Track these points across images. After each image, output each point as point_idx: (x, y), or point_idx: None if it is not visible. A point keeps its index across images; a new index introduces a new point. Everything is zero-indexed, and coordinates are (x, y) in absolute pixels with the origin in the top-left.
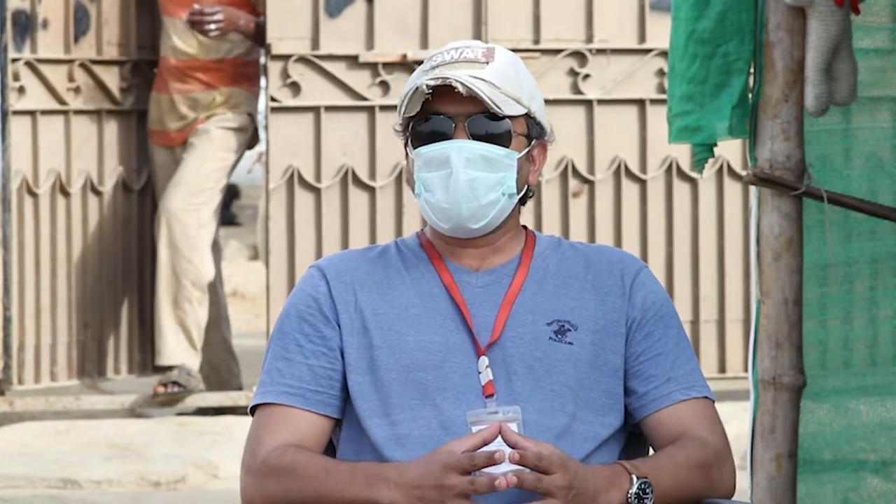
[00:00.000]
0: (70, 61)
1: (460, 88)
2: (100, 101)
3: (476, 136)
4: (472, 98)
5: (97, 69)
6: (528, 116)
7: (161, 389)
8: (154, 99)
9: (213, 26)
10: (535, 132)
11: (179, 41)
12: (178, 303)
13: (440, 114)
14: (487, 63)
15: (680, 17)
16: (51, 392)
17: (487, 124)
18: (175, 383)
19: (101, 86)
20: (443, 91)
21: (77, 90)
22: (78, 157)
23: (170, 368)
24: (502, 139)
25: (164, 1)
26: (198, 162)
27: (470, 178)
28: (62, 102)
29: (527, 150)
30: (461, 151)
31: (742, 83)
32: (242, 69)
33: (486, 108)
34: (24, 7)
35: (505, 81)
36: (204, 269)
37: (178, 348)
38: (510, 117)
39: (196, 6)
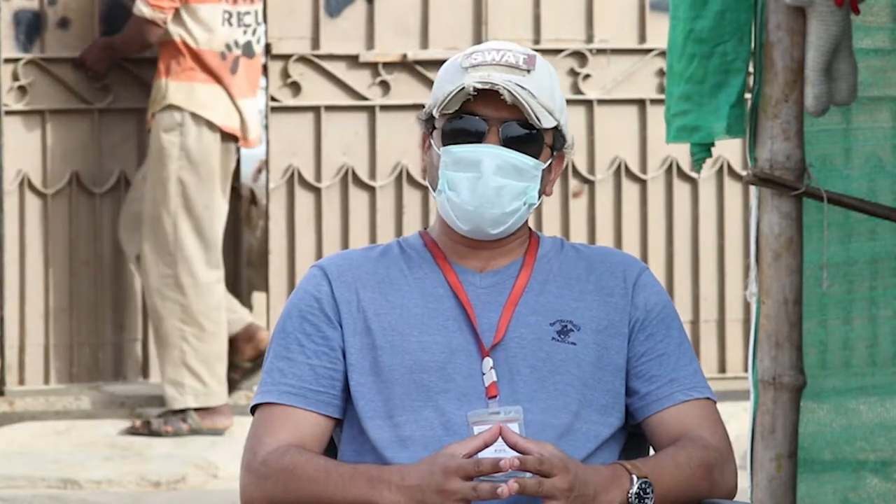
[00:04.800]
0: (69, 60)
1: (506, 96)
2: (100, 101)
3: (507, 143)
4: (511, 104)
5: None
6: (555, 129)
7: (137, 424)
8: None
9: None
10: (558, 144)
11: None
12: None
13: (476, 114)
14: (529, 71)
15: (678, 16)
16: (51, 392)
17: (520, 132)
18: (147, 424)
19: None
20: (482, 92)
21: (75, 90)
22: (76, 158)
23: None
24: (533, 149)
25: None
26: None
27: (498, 185)
28: (62, 102)
29: (550, 161)
30: (493, 157)
31: (740, 83)
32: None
33: (524, 116)
34: (27, 6)
35: (543, 92)
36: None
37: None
38: (542, 129)
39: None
